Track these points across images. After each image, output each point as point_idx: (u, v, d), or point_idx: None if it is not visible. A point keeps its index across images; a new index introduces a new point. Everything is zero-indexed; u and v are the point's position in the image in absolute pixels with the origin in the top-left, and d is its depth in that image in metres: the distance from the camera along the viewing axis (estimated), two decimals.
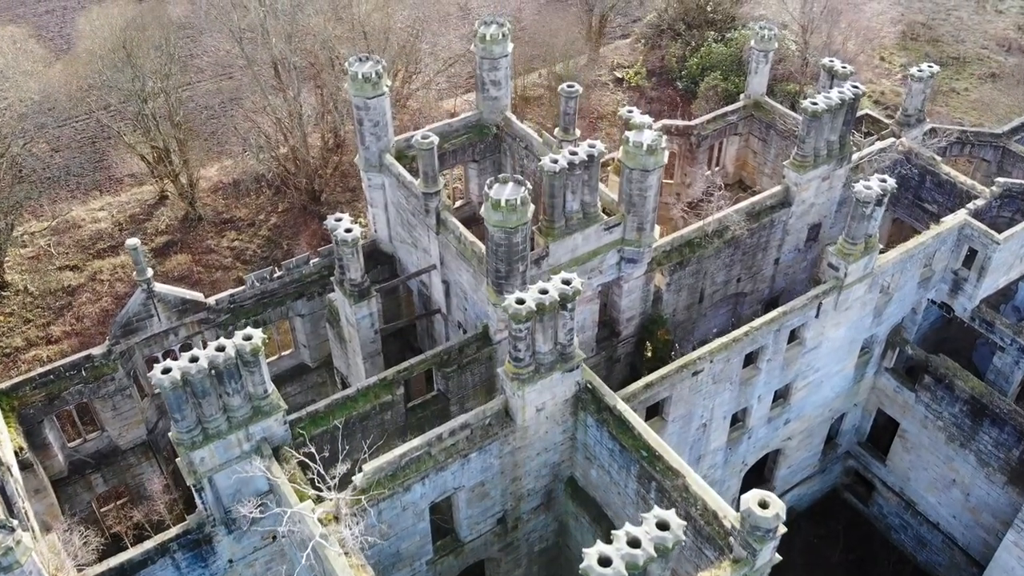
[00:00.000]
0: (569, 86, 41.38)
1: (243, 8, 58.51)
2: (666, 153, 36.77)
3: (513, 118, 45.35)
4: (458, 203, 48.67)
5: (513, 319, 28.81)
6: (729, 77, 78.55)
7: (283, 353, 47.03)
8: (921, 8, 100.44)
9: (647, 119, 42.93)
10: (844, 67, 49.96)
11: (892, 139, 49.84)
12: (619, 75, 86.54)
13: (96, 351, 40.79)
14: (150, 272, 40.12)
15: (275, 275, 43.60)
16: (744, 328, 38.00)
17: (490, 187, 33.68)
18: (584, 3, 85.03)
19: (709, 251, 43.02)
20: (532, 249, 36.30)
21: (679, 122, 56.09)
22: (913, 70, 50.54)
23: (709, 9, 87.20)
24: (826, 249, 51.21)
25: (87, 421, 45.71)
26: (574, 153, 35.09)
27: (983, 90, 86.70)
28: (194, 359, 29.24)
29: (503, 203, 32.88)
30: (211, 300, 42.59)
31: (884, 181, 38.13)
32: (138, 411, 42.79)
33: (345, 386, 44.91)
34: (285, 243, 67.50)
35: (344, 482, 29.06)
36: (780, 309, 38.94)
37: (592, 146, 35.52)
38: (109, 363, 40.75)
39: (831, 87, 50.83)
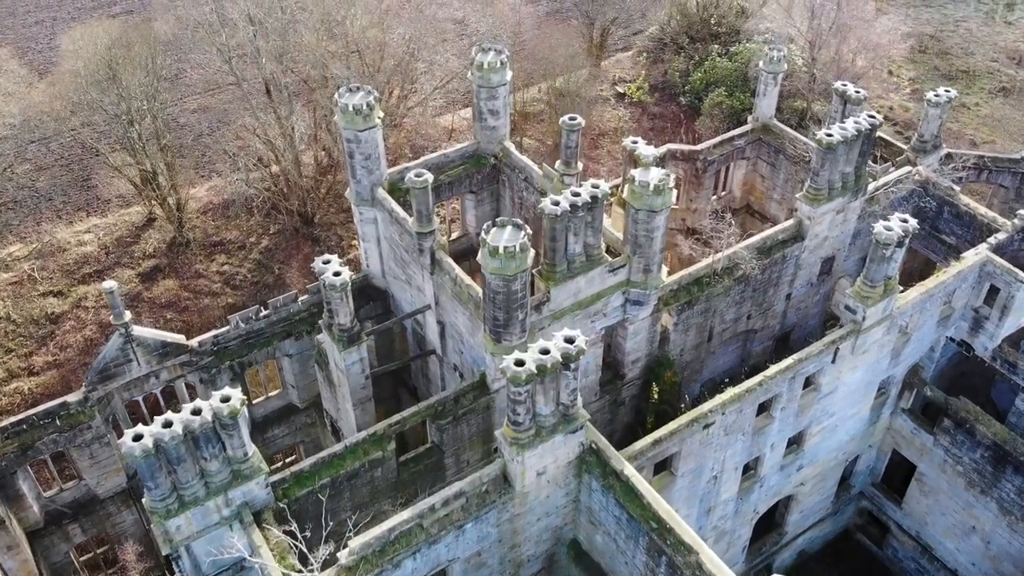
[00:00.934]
0: (571, 119, 39.22)
1: (232, 25, 56.31)
2: (674, 193, 34.63)
3: (512, 148, 43.23)
4: (455, 235, 46.52)
5: (512, 382, 26.66)
6: (734, 93, 76.45)
7: (270, 394, 44.84)
8: (929, 19, 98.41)
9: (653, 152, 40.93)
10: (857, 92, 47.83)
11: (908, 167, 47.69)
12: (621, 90, 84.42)
13: (71, 398, 38.60)
14: (128, 315, 37.91)
15: (261, 314, 41.42)
16: (758, 378, 35.85)
17: (487, 231, 31.54)
18: (585, 17, 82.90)
19: (718, 289, 40.88)
20: (532, 294, 34.19)
21: (684, 147, 53.97)
22: (929, 95, 48.43)
23: (713, 22, 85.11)
24: (841, 282, 49.22)
25: (64, 469, 43.57)
26: (576, 194, 32.95)
27: (994, 105, 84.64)
28: (167, 424, 27.12)
29: (501, 250, 30.74)
30: (193, 342, 40.40)
31: (905, 221, 35.98)
32: (117, 458, 40.59)
33: (335, 429, 42.75)
34: (276, 267, 65.36)
35: (329, 562, 26.90)
36: (795, 356, 36.77)
37: (595, 187, 33.37)
38: (85, 410, 38.57)
39: (843, 112, 48.86)
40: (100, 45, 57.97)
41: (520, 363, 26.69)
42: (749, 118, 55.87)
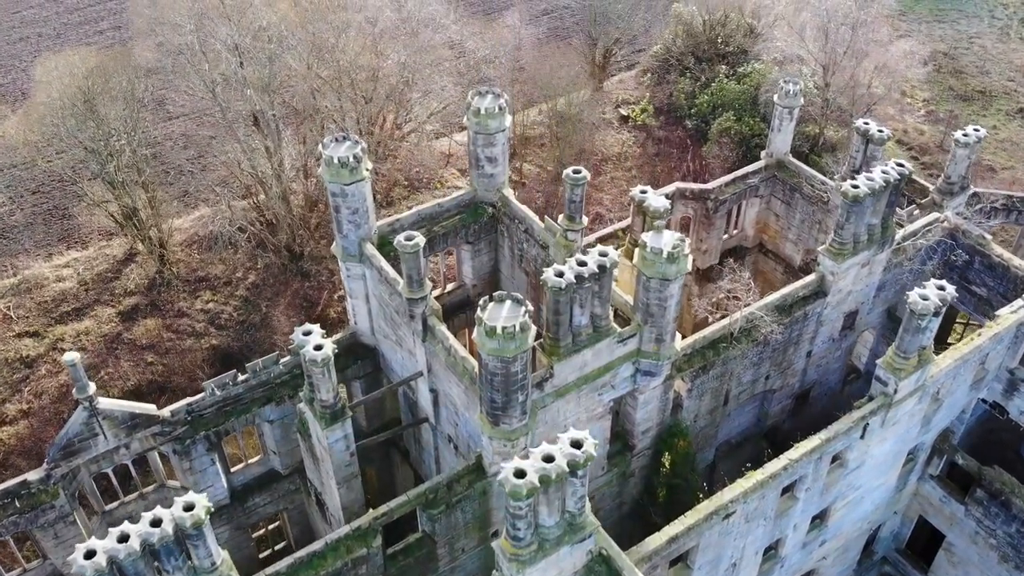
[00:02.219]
0: (575, 171, 36.04)
1: (215, 54, 53.14)
2: (689, 259, 31.48)
3: (511, 197, 40.06)
4: (450, 287, 43.38)
5: (512, 497, 23.49)
6: (743, 118, 73.33)
7: (250, 461, 41.66)
8: (942, 36, 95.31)
9: (664, 203, 37.89)
10: (880, 131, 44.82)
11: (935, 214, 44.55)
12: (624, 112, 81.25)
13: (32, 476, 35.41)
14: (92, 388, 34.71)
15: (239, 379, 38.23)
16: (782, 461, 32.68)
17: (483, 308, 28.39)
18: (587, 37, 79.71)
19: (736, 352, 37.74)
20: (534, 370, 31.06)
21: (694, 185, 50.88)
22: (958, 135, 45.32)
23: (720, 41, 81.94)
24: (864, 335, 46.10)
25: (27, 548, 40.45)
26: (582, 263, 29.80)
27: (1012, 128, 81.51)
28: (124, 537, 24.03)
29: (499, 330, 27.58)
30: (165, 412, 37.20)
31: (943, 289, 32.83)
32: (85, 535, 37.37)
33: (319, 501, 39.58)
34: (264, 305, 62.19)
35: None
36: (822, 435, 33.61)
37: (603, 255, 30.20)
38: (48, 489, 35.39)
39: (865, 152, 45.89)
40: (76, 75, 54.75)
41: (520, 474, 23.50)
42: (763, 154, 52.82)
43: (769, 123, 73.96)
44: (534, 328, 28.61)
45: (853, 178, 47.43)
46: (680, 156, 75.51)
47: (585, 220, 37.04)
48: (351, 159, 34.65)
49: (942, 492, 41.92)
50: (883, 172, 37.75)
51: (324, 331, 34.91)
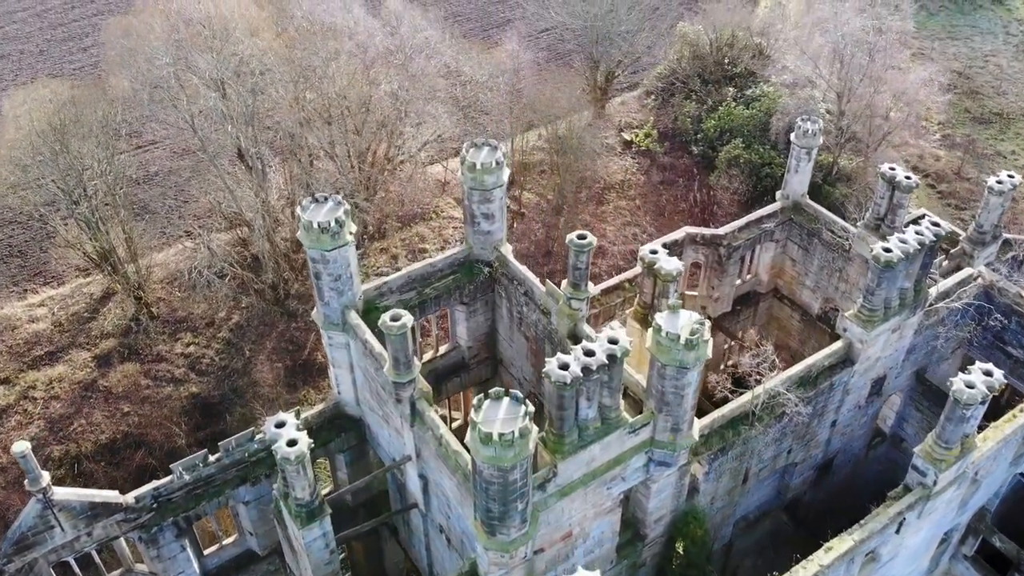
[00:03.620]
0: (580, 236, 32.63)
1: (193, 87, 49.72)
2: (709, 344, 28.09)
3: (510, 257, 36.71)
4: (443, 348, 40.00)
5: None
6: (752, 145, 70.02)
7: (225, 542, 38.23)
8: (956, 54, 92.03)
9: (677, 266, 34.62)
10: (908, 178, 41.58)
11: (968, 269, 41.23)
12: (627, 137, 77.86)
13: None
14: (46, 479, 31.30)
15: (210, 460, 34.82)
16: (812, 568, 29.28)
17: (477, 409, 25.04)
18: (588, 59, 76.32)
19: (757, 431, 34.39)
20: (535, 469, 27.71)
21: (705, 230, 47.49)
22: (991, 181, 42.00)
23: (727, 62, 78.55)
24: (892, 399, 42.81)
25: None
26: (589, 353, 26.42)
27: None
28: None
29: (496, 436, 24.22)
30: (129, 498, 33.77)
31: (990, 375, 29.48)
32: None
33: None
34: (247, 348, 58.76)
35: None
36: (856, 537, 30.26)
37: (613, 341, 26.82)
38: None
39: (890, 199, 42.68)
40: (47, 110, 51.30)
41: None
42: (778, 194, 49.56)
43: (779, 148, 71.14)
44: (535, 430, 25.28)
45: (877, 227, 44.40)
46: (686, 185, 72.14)
47: (592, 287, 33.62)
48: (332, 223, 31.33)
49: (976, 574, 38.56)
50: (917, 233, 34.47)
51: (299, 412, 31.71)
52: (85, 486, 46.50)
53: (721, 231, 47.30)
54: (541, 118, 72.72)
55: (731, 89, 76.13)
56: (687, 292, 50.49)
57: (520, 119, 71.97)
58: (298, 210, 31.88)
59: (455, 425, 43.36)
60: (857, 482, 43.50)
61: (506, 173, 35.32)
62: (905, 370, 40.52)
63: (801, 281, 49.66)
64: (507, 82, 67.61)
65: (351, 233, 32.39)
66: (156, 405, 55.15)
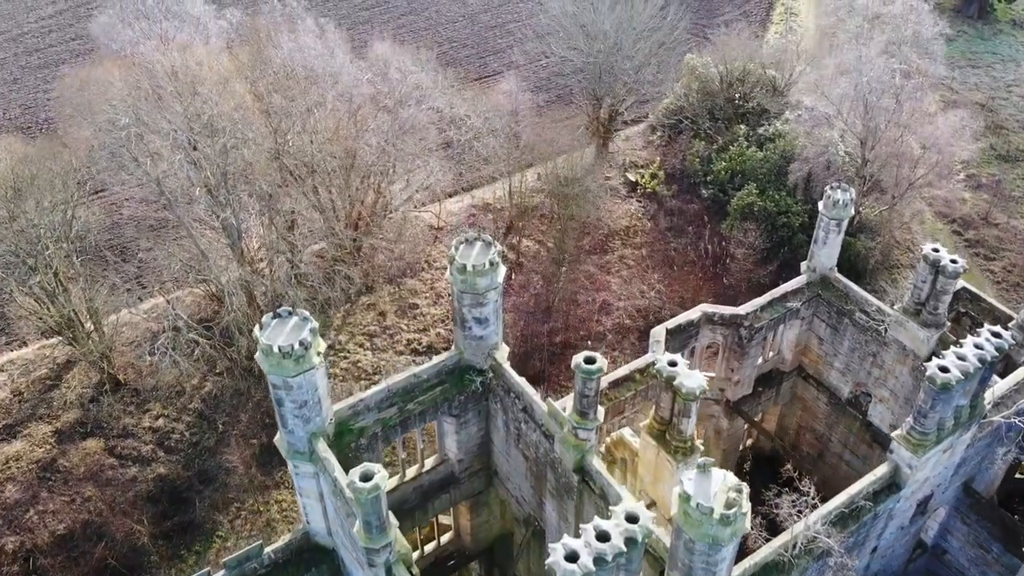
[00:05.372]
0: (588, 361, 27.92)
1: (157, 148, 44.98)
2: (748, 516, 23.29)
3: (506, 365, 32.02)
4: (430, 461, 35.25)
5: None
6: (767, 191, 65.24)
7: None
8: (977, 83, 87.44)
9: (699, 382, 29.98)
10: (955, 262, 36.87)
11: None
12: (632, 177, 73.16)
13: None
14: None
15: None
16: None
17: None
18: (591, 95, 71.61)
19: (794, 573, 29.65)
20: None
21: (724, 309, 42.86)
22: None
23: (738, 98, 73.81)
24: (938, 512, 38.07)
25: None
26: (604, 537, 21.64)
27: None
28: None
29: None
30: None
31: None
32: None
33: None
34: (221, 422, 53.96)
35: None
36: None
37: (632, 519, 22.03)
38: None
39: (933, 284, 38.02)
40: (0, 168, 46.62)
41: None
42: (803, 266, 44.99)
43: (796, 194, 66.37)
44: None
45: (917, 312, 39.71)
46: (696, 232, 67.42)
47: (600, 414, 28.90)
48: (296, 347, 26.60)
49: None
50: (977, 348, 29.76)
51: (262, 547, 26.94)
52: None
53: (741, 310, 42.70)
54: (540, 158, 68.19)
55: (743, 127, 71.40)
56: (704, 374, 45.83)
57: (519, 162, 67.37)
58: (256, 330, 27.17)
59: (445, 537, 38.70)
60: None
61: (502, 273, 30.65)
62: (953, 483, 35.83)
63: (829, 362, 45.04)
64: (505, 125, 62.90)
65: (319, 353, 27.69)
66: (120, 489, 50.37)
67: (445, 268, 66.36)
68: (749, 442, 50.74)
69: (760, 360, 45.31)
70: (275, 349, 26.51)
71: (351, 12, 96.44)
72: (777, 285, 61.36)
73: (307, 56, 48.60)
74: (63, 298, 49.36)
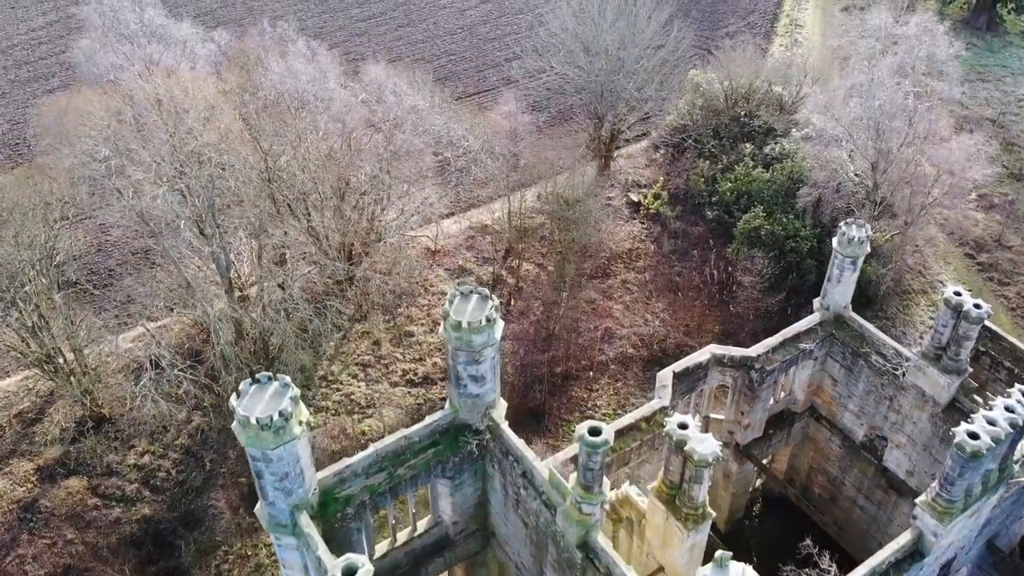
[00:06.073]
0: (593, 432, 25.91)
1: (138, 181, 42.95)
2: None
3: (505, 427, 30.00)
4: (423, 524, 33.23)
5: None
6: (774, 214, 63.14)
7: None
8: (988, 98, 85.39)
9: (713, 448, 27.98)
10: (978, 307, 34.94)
11: None
12: (635, 197, 71.15)
13: None
14: None
15: None
16: None
17: None
18: (592, 114, 69.63)
19: None
20: None
21: (734, 351, 40.98)
22: None
23: (743, 116, 71.74)
24: (961, 572, 36.06)
25: None
26: None
27: None
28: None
29: None
30: None
31: None
32: None
33: None
34: (208, 460, 51.92)
35: None
36: None
37: None
38: None
39: (954, 328, 36.07)
40: None
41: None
42: (816, 303, 43.15)
43: (805, 218, 64.26)
44: None
45: (937, 357, 37.71)
46: (701, 256, 65.39)
47: (607, 489, 26.90)
48: (276, 418, 24.62)
49: None
50: (1008, 412, 27.75)
51: None
52: None
53: (752, 352, 40.83)
54: (540, 177, 66.30)
55: (749, 146, 69.35)
56: (712, 415, 43.96)
57: (518, 182, 65.46)
58: (232, 400, 25.21)
59: None
60: None
61: (499, 329, 28.66)
62: (976, 543, 33.84)
63: (842, 404, 43.12)
64: (504, 148, 60.91)
65: (301, 422, 25.71)
66: (103, 532, 48.37)
67: (443, 293, 65.22)
68: (759, 483, 48.80)
69: (771, 402, 43.40)
70: (252, 421, 24.53)
71: (347, 23, 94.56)
72: (786, 312, 60.01)
73: (299, 81, 46.61)
74: (44, 334, 47.37)
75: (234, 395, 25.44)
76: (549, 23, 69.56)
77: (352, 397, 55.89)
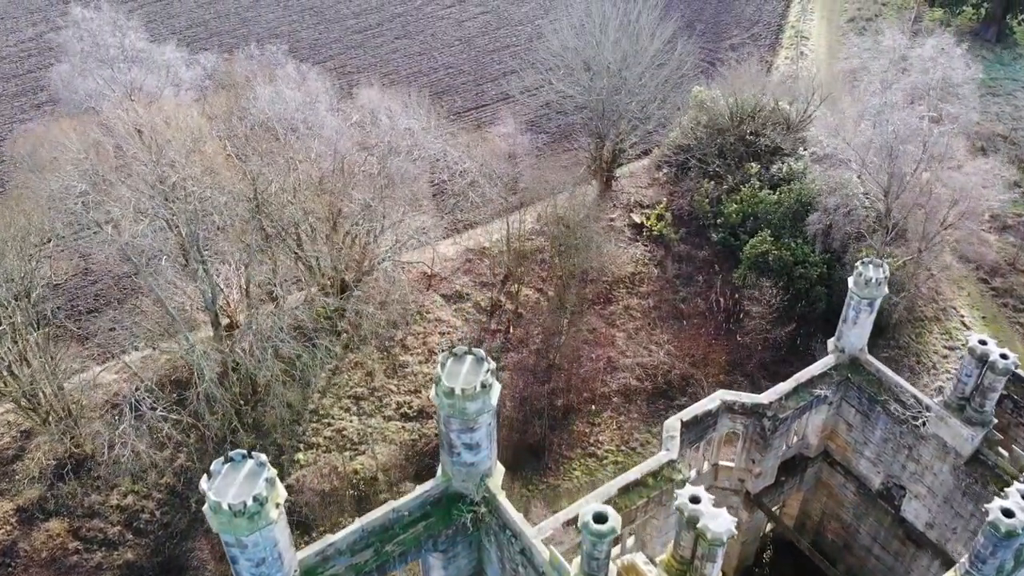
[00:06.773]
0: (598, 518, 23.74)
1: (117, 216, 40.86)
2: None
3: (502, 498, 27.86)
4: None
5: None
6: (782, 238, 61.02)
7: None
8: (999, 113, 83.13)
9: (727, 527, 25.81)
10: (1006, 358, 32.85)
11: None
12: (637, 219, 69.02)
13: None
14: None
15: None
16: None
17: None
18: (593, 134, 67.50)
19: None
20: None
21: (745, 397, 38.95)
22: None
23: (749, 134, 69.57)
24: None
25: None
26: None
27: None
28: None
29: None
30: None
31: None
32: None
33: None
34: (194, 500, 49.77)
35: None
36: None
37: None
38: None
39: (979, 377, 33.98)
40: None
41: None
42: (830, 344, 41.06)
43: (815, 244, 62.09)
44: None
45: (961, 408, 35.63)
46: (706, 281, 63.27)
47: (613, 572, 24.76)
48: (250, 503, 22.50)
49: None
50: None
51: None
52: None
53: (764, 398, 38.78)
54: (539, 198, 64.20)
55: (754, 165, 67.24)
56: (722, 463, 41.85)
57: (517, 204, 63.36)
58: (202, 482, 23.10)
59: None
60: None
61: (496, 393, 26.53)
62: None
63: (858, 450, 41.06)
64: (502, 169, 58.83)
65: (278, 504, 23.58)
66: None
67: (439, 320, 63.11)
68: (769, 527, 46.70)
69: (784, 448, 41.32)
70: (224, 507, 22.41)
71: (343, 35, 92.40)
72: (795, 342, 57.87)
73: (287, 108, 44.51)
74: (23, 370, 45.32)
75: (204, 477, 23.32)
76: (549, 41, 67.36)
77: (344, 433, 53.78)
